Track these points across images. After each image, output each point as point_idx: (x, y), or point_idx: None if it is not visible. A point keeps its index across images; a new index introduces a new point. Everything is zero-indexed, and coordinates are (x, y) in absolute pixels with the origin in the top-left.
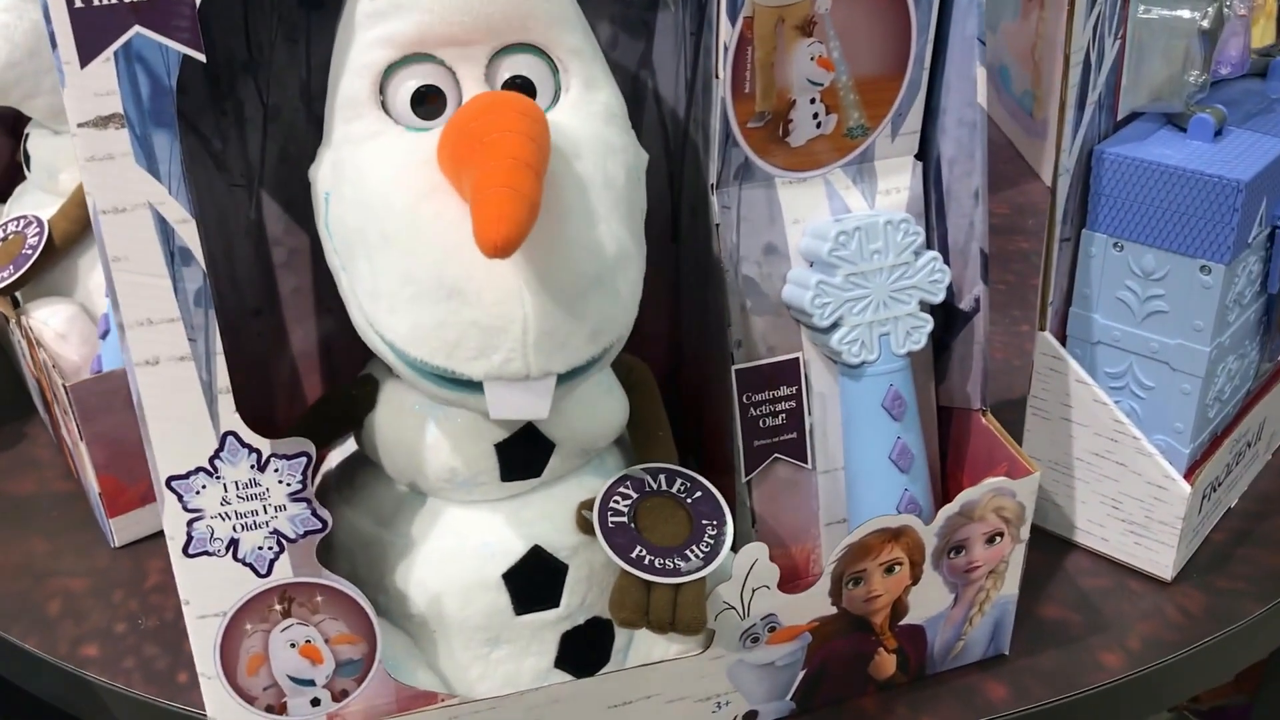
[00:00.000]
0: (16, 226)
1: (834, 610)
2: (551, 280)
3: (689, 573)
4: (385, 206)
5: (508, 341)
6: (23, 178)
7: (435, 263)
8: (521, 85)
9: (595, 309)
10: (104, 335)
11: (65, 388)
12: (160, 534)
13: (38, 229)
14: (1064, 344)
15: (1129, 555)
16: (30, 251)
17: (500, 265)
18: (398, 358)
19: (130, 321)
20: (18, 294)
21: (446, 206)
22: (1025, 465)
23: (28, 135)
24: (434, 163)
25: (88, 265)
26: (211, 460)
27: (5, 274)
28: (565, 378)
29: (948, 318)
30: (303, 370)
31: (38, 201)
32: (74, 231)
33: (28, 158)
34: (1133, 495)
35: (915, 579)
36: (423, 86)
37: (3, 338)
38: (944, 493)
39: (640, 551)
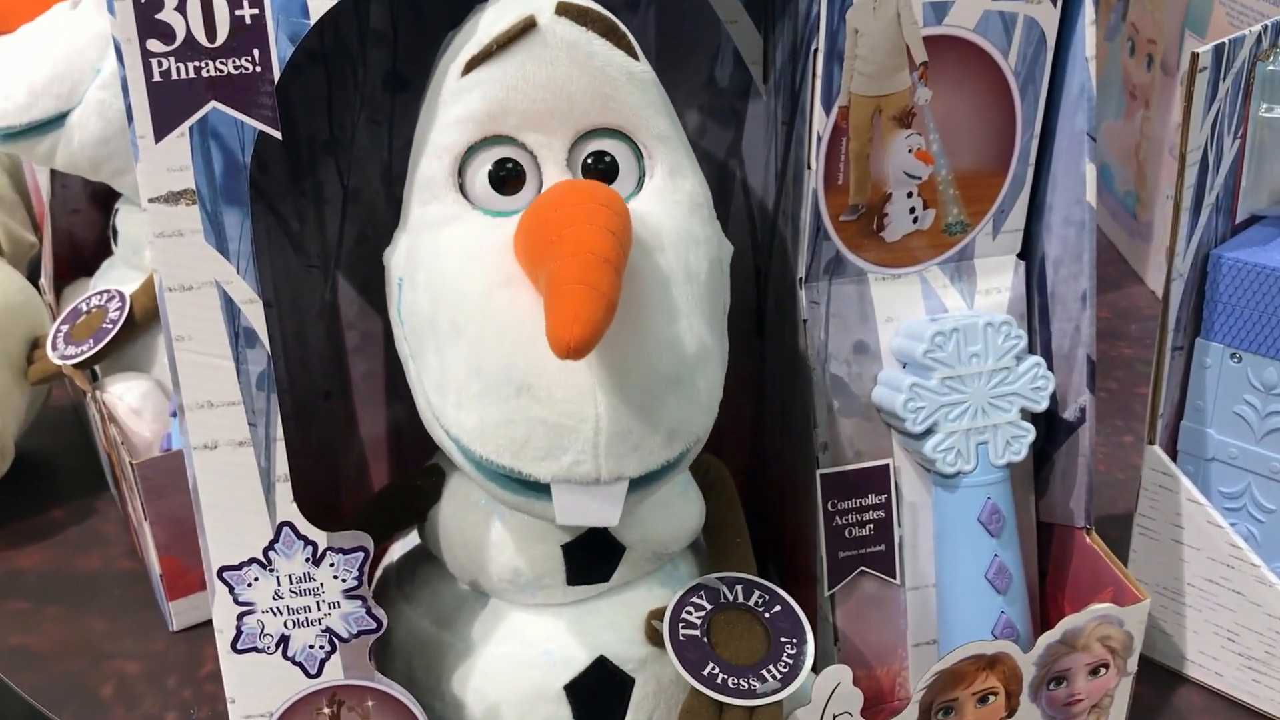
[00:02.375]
0: (99, 300)
1: None
2: (627, 379)
3: (765, 695)
4: (457, 294)
5: (578, 442)
6: (111, 253)
7: (505, 356)
8: (605, 166)
9: (672, 410)
10: (174, 413)
11: (132, 465)
12: None
13: (119, 304)
14: (1174, 460)
15: (1247, 694)
16: (110, 326)
17: (573, 362)
18: (463, 456)
19: (190, 403)
20: (96, 368)
21: (520, 298)
22: (1134, 591)
23: (117, 211)
24: (510, 251)
25: None
26: (265, 551)
27: (85, 347)
28: (638, 483)
29: (1050, 428)
30: (370, 457)
31: (122, 276)
32: (154, 306)
33: (115, 233)
34: (1251, 628)
35: (1011, 711)
36: (502, 169)
37: (81, 411)
38: (1043, 616)
39: (713, 669)
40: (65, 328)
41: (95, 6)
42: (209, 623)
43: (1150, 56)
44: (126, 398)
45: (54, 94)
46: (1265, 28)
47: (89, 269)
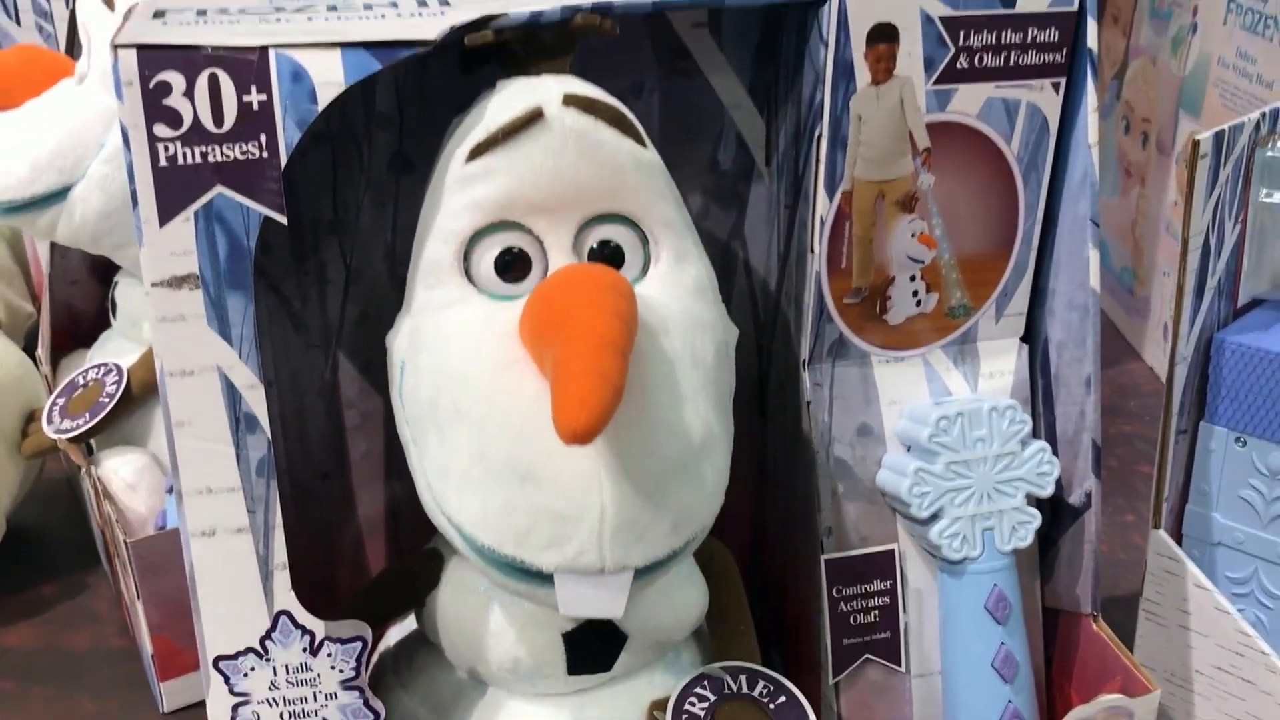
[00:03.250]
0: (96, 374)
1: None
2: (633, 466)
3: None
4: (460, 378)
5: (582, 531)
6: (109, 325)
7: (509, 441)
8: (611, 252)
9: (678, 498)
10: (170, 489)
11: (126, 543)
12: None
13: (116, 377)
14: (1180, 543)
15: None
16: (107, 400)
17: (579, 448)
18: (465, 543)
19: (189, 489)
20: (91, 441)
21: (525, 382)
22: (1143, 681)
23: (116, 283)
24: (515, 335)
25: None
26: (262, 641)
27: (80, 421)
28: (643, 572)
29: (1055, 513)
30: (368, 538)
31: (120, 349)
32: (152, 381)
33: (114, 305)
34: (1262, 718)
35: None
36: (508, 254)
37: (75, 485)
38: (1049, 705)
39: None
40: (61, 401)
41: (101, 82)
42: (202, 704)
43: (1145, 134)
44: (122, 472)
45: (57, 168)
46: (1264, 114)
47: (87, 341)
